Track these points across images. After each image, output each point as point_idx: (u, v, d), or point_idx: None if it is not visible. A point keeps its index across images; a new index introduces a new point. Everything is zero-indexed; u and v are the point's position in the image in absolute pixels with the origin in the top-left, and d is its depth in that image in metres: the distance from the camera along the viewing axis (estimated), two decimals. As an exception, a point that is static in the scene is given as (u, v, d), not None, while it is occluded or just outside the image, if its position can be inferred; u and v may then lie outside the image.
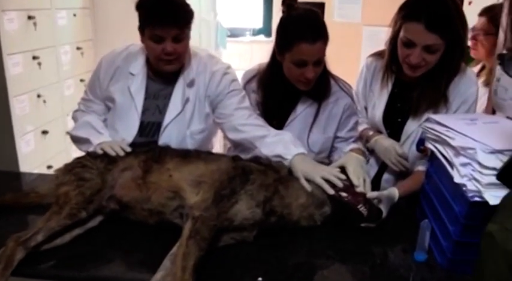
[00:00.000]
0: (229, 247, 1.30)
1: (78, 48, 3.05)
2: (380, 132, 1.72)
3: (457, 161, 1.15)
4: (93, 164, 1.46)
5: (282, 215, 1.36)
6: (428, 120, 1.42)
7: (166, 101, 1.67)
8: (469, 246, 1.12)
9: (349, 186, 1.41)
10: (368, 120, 1.78)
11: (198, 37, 3.88)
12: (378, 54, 1.75)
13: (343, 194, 1.38)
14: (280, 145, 1.50)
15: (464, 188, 1.09)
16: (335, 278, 1.21)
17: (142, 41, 1.61)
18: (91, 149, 1.58)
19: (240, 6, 5.54)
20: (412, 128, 1.61)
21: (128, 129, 1.66)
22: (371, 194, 1.38)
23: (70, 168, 1.45)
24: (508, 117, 1.45)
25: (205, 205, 1.27)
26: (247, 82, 1.74)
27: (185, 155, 1.48)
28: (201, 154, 1.50)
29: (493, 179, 1.00)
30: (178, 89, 1.67)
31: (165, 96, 1.68)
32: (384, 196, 1.39)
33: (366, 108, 1.79)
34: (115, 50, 1.77)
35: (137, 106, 1.66)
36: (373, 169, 1.75)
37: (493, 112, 1.59)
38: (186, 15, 1.57)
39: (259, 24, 5.53)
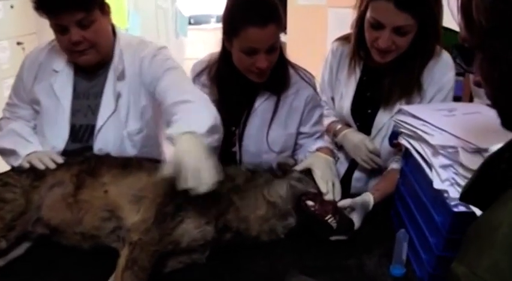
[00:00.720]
0: (177, 271, 1.11)
1: (18, 44, 2.77)
2: (349, 125, 1.55)
3: (436, 162, 0.98)
4: (16, 182, 1.24)
5: (239, 231, 1.17)
6: (400, 112, 1.25)
7: (98, 100, 1.43)
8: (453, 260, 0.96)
9: (317, 194, 1.24)
10: (335, 112, 1.61)
11: (156, 26, 3.64)
12: (345, 39, 1.56)
13: (310, 203, 1.20)
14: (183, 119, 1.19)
15: (445, 195, 0.93)
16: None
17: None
18: (19, 161, 1.36)
19: (204, -8, 5.28)
20: (384, 119, 1.43)
21: (58, 135, 1.43)
22: (342, 203, 1.21)
23: None
24: (488, 105, 1.30)
25: (145, 227, 1.07)
26: (197, 75, 1.53)
27: (125, 165, 1.27)
28: (144, 163, 1.29)
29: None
30: (109, 85, 1.43)
31: (96, 95, 1.44)
32: (357, 204, 1.22)
33: (333, 99, 1.61)
34: (39, 46, 1.53)
35: (64, 107, 1.42)
36: (343, 166, 1.58)
37: (471, 99, 1.44)
38: None
39: (224, 10, 5.29)
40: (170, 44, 3.78)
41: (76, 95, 1.44)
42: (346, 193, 1.54)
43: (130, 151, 1.44)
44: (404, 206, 1.22)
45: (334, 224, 1.16)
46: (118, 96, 1.43)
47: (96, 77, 1.46)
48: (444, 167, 0.95)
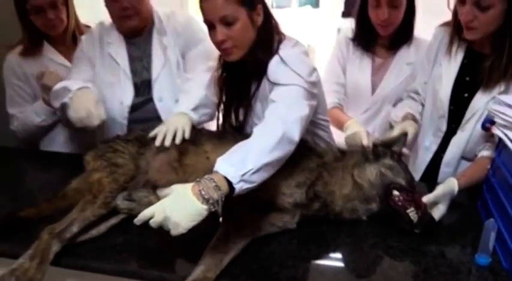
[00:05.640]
0: (268, 241, 1.20)
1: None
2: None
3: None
4: (125, 148, 1.38)
5: (326, 203, 1.26)
6: (495, 101, 1.24)
7: (150, 58, 1.72)
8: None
9: (404, 186, 1.25)
10: (428, 96, 1.61)
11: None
12: (448, 23, 1.54)
13: (395, 192, 1.24)
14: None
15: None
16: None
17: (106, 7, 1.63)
18: (69, 96, 1.43)
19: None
20: (480, 103, 1.43)
21: (125, 92, 1.71)
22: (427, 198, 1.22)
23: (101, 153, 1.37)
24: None
25: None
26: None
27: (221, 137, 1.40)
28: (237, 136, 1.38)
29: None
30: (156, 42, 1.71)
31: (148, 55, 1.72)
32: (440, 196, 1.23)
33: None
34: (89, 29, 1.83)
35: (125, 69, 1.71)
36: (429, 152, 1.60)
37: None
38: None
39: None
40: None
41: (132, 59, 1.72)
42: (434, 179, 1.57)
43: None
44: (494, 198, 1.22)
45: (414, 218, 1.19)
46: (165, 49, 1.70)
47: (144, 43, 1.73)
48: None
